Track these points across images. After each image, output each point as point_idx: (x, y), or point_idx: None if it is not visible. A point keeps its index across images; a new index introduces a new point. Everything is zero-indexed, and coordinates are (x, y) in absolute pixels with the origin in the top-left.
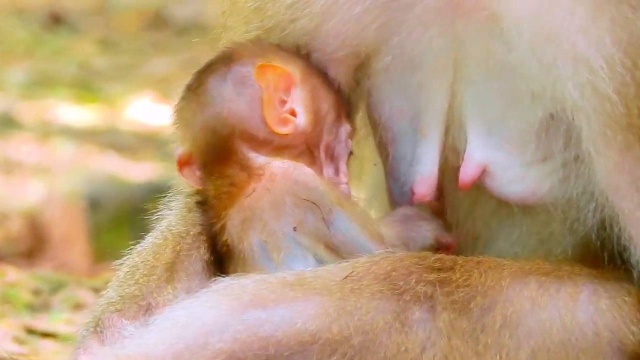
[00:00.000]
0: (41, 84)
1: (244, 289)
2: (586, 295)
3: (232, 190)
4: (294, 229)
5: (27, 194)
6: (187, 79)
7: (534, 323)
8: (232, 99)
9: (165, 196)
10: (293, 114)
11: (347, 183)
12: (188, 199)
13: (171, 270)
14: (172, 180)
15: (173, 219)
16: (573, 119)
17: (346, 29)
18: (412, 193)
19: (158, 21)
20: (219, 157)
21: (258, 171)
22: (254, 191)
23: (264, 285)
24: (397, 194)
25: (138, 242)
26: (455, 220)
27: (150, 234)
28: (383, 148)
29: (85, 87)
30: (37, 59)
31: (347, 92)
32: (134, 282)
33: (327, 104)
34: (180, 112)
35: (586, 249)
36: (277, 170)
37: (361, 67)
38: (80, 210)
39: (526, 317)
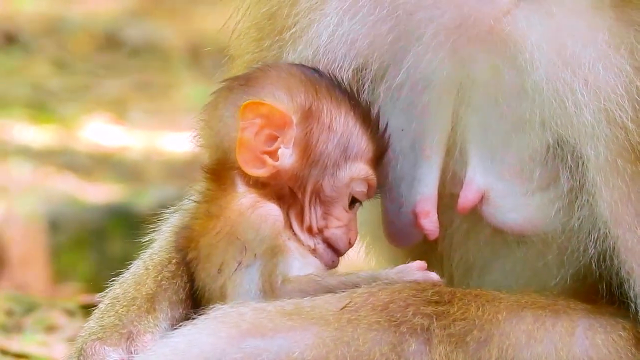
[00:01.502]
0: None
1: (243, 317)
2: (582, 329)
3: (210, 212)
4: (238, 263)
5: None
6: (140, 100)
7: (529, 357)
8: (228, 125)
9: (125, 219)
10: (276, 154)
11: (339, 227)
12: (177, 222)
13: (152, 300)
14: (130, 201)
15: (157, 245)
16: (582, 146)
17: (358, 39)
18: (414, 214)
19: (111, 42)
20: (216, 173)
21: (232, 200)
22: (221, 219)
23: (262, 314)
24: (393, 214)
25: (97, 264)
26: (449, 246)
27: (134, 263)
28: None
29: (39, 107)
30: None
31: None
32: (114, 312)
33: (331, 145)
34: (199, 120)
35: (582, 282)
36: (240, 204)
37: (364, 80)
38: (40, 231)
39: (522, 351)
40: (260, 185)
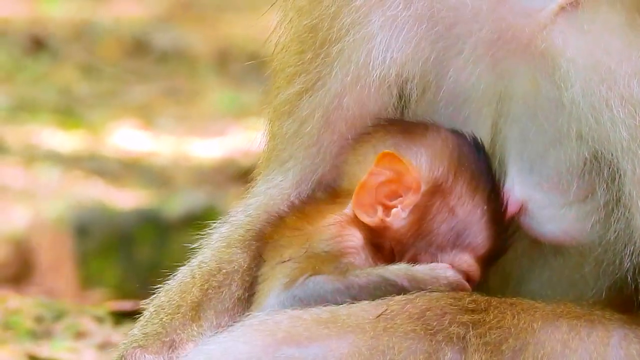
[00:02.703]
0: (23, 109)
1: (278, 325)
2: (617, 340)
3: (307, 215)
4: (288, 259)
5: (13, 219)
6: (168, 106)
7: None
8: (365, 162)
9: (153, 225)
10: (390, 211)
11: None
12: (234, 233)
13: (197, 309)
14: (157, 207)
15: (208, 254)
16: (619, 160)
17: (401, 55)
18: None
19: (139, 48)
20: (336, 192)
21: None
22: (306, 226)
23: (298, 322)
24: None
25: (125, 270)
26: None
27: (180, 271)
28: None
29: (67, 113)
30: (18, 84)
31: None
32: (158, 320)
33: (446, 227)
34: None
35: (618, 293)
36: (332, 220)
37: (407, 95)
38: (67, 237)
39: None
40: (364, 227)
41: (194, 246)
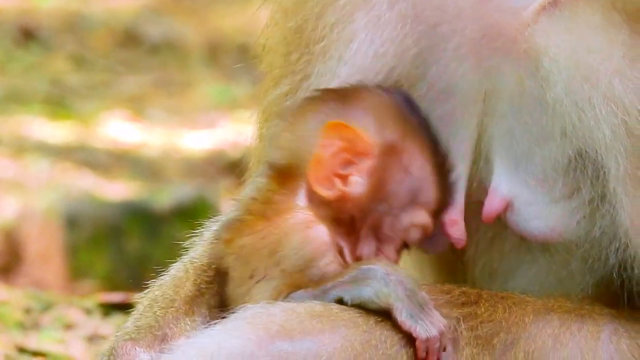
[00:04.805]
0: (13, 100)
1: (272, 318)
2: (607, 334)
3: (264, 214)
4: (264, 275)
5: (2, 210)
6: (158, 97)
7: None
8: (310, 137)
9: (143, 217)
10: (347, 180)
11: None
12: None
13: (190, 303)
14: (147, 199)
15: (199, 250)
16: (602, 158)
17: (385, 54)
18: (442, 222)
19: (130, 39)
20: (282, 176)
21: (288, 210)
22: (272, 226)
23: (292, 315)
24: None
25: (114, 261)
26: (474, 252)
27: (173, 266)
28: None
29: (58, 103)
30: (8, 75)
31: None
32: (151, 314)
33: (404, 186)
34: (283, 121)
35: (605, 289)
36: (294, 219)
37: None
38: (57, 228)
39: (548, 354)
40: (322, 204)
41: (184, 240)
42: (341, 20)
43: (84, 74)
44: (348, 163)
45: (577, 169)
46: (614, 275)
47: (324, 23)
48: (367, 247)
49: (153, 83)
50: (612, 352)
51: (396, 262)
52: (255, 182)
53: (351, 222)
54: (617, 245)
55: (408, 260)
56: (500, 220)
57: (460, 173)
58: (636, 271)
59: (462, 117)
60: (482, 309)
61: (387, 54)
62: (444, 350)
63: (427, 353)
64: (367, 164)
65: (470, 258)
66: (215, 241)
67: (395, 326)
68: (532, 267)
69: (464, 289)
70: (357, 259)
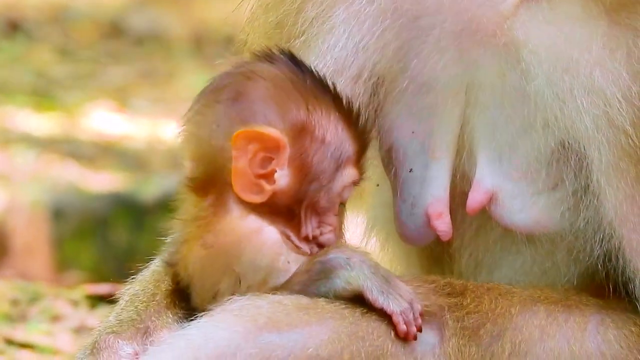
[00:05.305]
0: None
1: (259, 310)
2: (594, 325)
3: (203, 241)
4: (232, 295)
5: None
6: (143, 88)
7: (542, 352)
8: (220, 146)
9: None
10: (272, 177)
11: (331, 231)
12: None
13: (171, 297)
14: (133, 190)
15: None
16: (585, 149)
17: (366, 48)
18: (427, 215)
19: (115, 31)
20: (205, 189)
21: (227, 225)
22: (215, 248)
23: (279, 308)
24: (406, 215)
25: (100, 253)
26: (459, 244)
27: (153, 261)
28: (391, 169)
29: (43, 95)
30: None
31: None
32: (133, 308)
33: (326, 158)
34: (184, 128)
35: (590, 280)
36: (239, 229)
37: (373, 87)
38: (43, 220)
39: (535, 345)
40: (255, 207)
41: (169, 231)
42: (321, 15)
43: (69, 66)
44: (266, 161)
45: (560, 161)
46: (599, 265)
47: (304, 18)
48: (309, 225)
49: (138, 74)
50: (599, 342)
51: (339, 225)
52: (183, 199)
53: (289, 210)
54: (602, 236)
55: (396, 252)
56: (485, 212)
57: (444, 166)
58: (620, 261)
59: (444, 110)
60: (468, 300)
61: (367, 48)
62: (421, 316)
63: (406, 325)
64: (283, 154)
65: (456, 250)
66: (165, 268)
67: (383, 317)
68: (517, 259)
69: (449, 279)
70: (305, 239)
